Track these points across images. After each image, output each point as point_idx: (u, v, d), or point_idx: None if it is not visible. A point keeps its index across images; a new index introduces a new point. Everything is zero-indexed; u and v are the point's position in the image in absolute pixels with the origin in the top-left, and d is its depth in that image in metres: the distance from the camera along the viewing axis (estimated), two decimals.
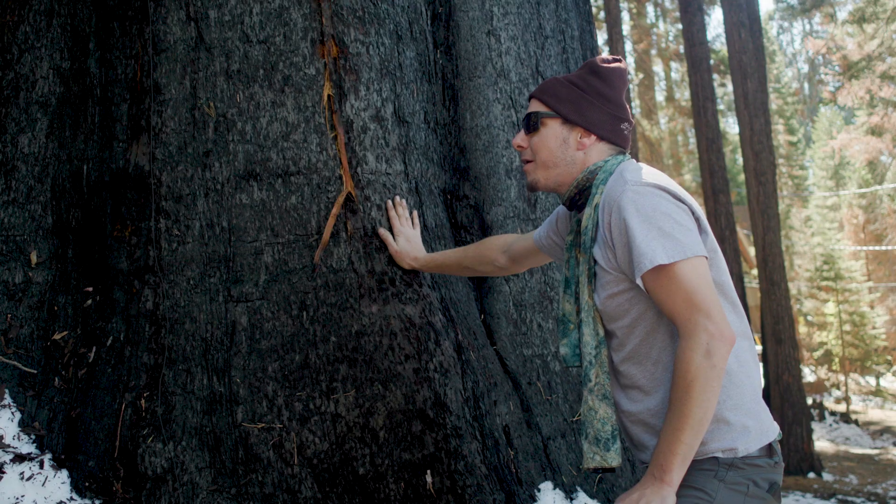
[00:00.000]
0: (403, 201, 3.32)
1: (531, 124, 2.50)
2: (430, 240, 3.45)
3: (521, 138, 2.55)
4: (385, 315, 3.12)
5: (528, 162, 2.55)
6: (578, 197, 2.46)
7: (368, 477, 2.95)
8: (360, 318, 3.11)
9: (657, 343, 2.27)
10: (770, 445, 2.25)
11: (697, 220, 2.22)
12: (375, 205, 3.27)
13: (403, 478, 2.95)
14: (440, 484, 2.95)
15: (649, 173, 2.27)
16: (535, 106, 2.52)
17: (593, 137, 2.45)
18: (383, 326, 3.11)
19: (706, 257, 2.15)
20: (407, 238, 3.24)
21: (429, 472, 2.96)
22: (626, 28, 32.11)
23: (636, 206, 2.16)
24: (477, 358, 3.35)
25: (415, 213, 3.36)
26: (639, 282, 2.16)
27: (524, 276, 3.77)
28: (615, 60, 2.51)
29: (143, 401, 3.03)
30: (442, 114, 3.83)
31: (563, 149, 2.46)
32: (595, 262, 2.33)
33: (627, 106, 2.51)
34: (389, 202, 3.29)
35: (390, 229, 3.26)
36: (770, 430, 2.26)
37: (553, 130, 2.47)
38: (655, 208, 2.15)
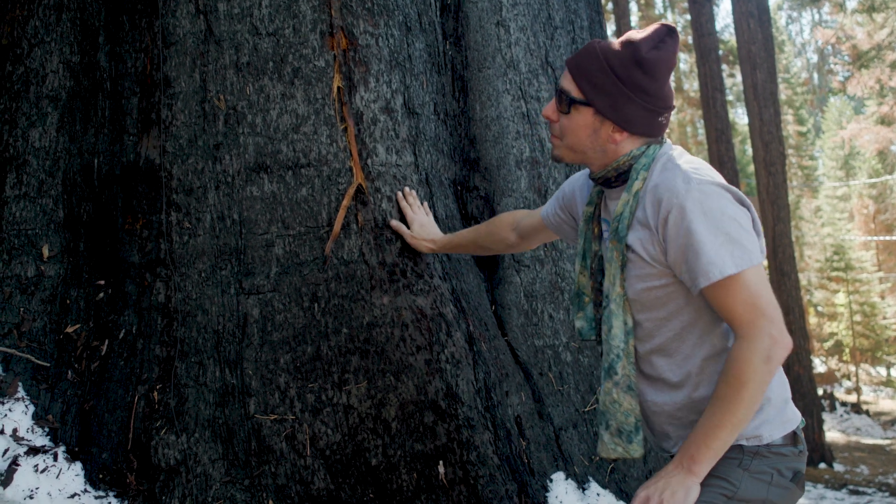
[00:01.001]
0: (414, 192, 3.32)
1: (563, 103, 2.35)
2: (441, 230, 3.45)
3: (550, 110, 2.41)
4: (396, 306, 3.13)
5: (555, 136, 2.43)
6: (615, 179, 2.36)
7: (381, 468, 2.95)
8: (372, 309, 3.11)
9: (691, 339, 2.24)
10: (794, 434, 2.25)
11: (753, 220, 2.18)
12: (386, 196, 3.27)
13: (416, 468, 2.95)
14: (452, 474, 2.95)
15: (705, 169, 2.20)
16: (569, 84, 2.34)
17: (626, 133, 2.31)
18: (395, 318, 3.11)
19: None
20: (421, 224, 3.23)
21: (441, 462, 2.97)
22: (634, 19, 32.04)
23: (703, 209, 2.09)
24: (488, 349, 3.35)
25: (425, 203, 3.36)
26: (698, 288, 2.12)
27: (535, 267, 3.77)
28: (662, 39, 2.30)
29: (155, 393, 3.04)
30: (452, 105, 3.83)
31: (592, 138, 2.33)
32: (630, 250, 2.26)
33: (670, 90, 2.34)
34: (400, 193, 3.29)
35: (401, 221, 3.26)
36: (794, 417, 2.26)
37: (584, 118, 2.32)
38: (723, 212, 2.10)
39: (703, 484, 2.14)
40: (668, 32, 2.30)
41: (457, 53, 3.90)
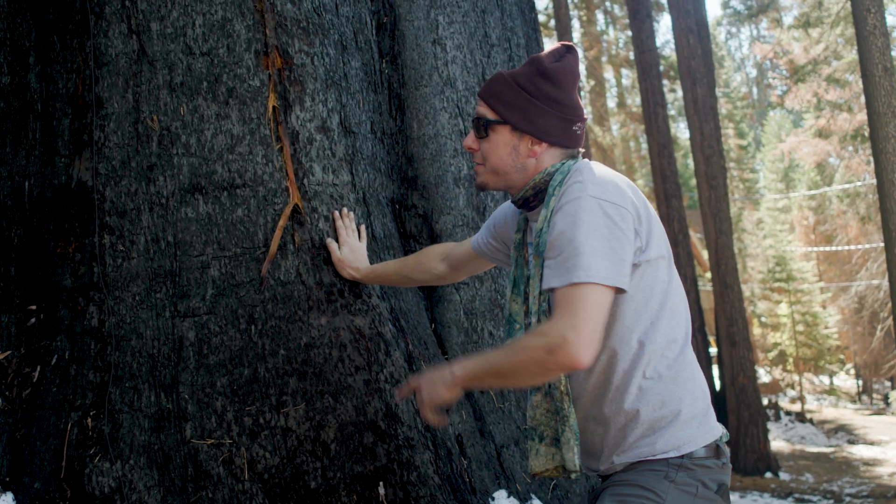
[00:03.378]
0: (350, 213, 3.31)
1: (480, 129, 2.44)
2: (380, 250, 3.44)
3: (471, 140, 2.48)
4: (334, 327, 3.10)
5: (478, 164, 2.49)
6: (533, 198, 2.42)
7: (320, 490, 2.92)
8: (310, 330, 3.08)
9: (607, 345, 2.25)
10: (717, 447, 2.27)
11: (641, 234, 2.21)
12: (322, 216, 3.25)
13: (356, 490, 2.93)
14: (393, 496, 2.93)
15: (605, 180, 2.23)
16: (483, 109, 2.43)
17: (544, 144, 2.38)
18: (333, 338, 3.09)
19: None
20: (351, 248, 3.21)
21: (381, 483, 2.94)
22: (576, 35, 32.32)
23: (581, 217, 2.14)
24: (428, 368, 3.34)
25: (362, 226, 3.34)
26: (549, 285, 2.17)
27: (474, 285, 3.76)
28: (563, 54, 2.41)
29: (89, 420, 2.97)
30: (389, 123, 3.82)
31: (513, 156, 2.40)
32: None
33: (579, 101, 2.43)
34: (336, 213, 3.27)
35: (337, 240, 3.24)
36: (714, 429, 2.28)
37: (502, 137, 2.40)
38: (597, 225, 2.13)
39: (629, 494, 2.18)
40: (568, 49, 2.44)
41: (393, 72, 3.89)
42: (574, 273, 2.07)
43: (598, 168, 2.31)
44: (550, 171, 2.37)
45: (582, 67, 31.72)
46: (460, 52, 4.03)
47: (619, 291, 2.14)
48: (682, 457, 2.21)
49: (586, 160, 2.41)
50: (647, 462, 2.22)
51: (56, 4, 3.40)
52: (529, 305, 2.39)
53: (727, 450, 2.33)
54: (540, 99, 2.35)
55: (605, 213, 2.14)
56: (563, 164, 2.37)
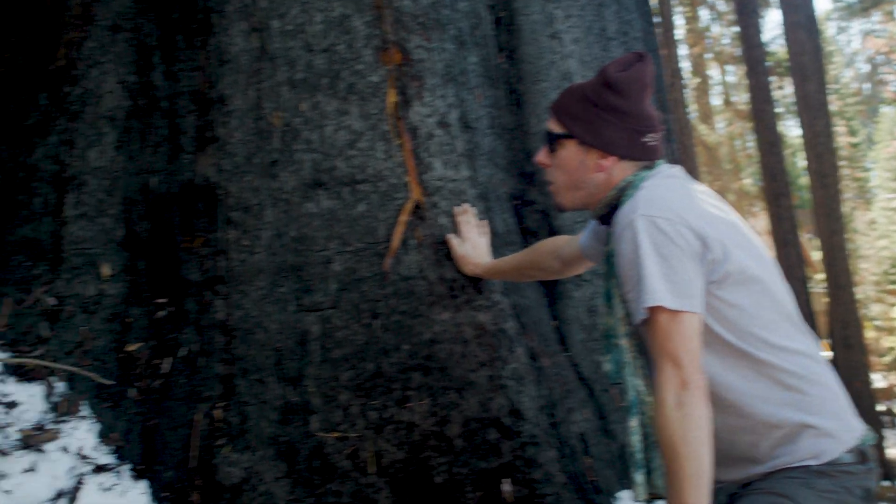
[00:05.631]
0: (471, 207, 3.28)
1: (548, 143, 2.39)
2: (500, 246, 3.40)
3: (543, 155, 2.43)
4: (457, 322, 3.08)
5: (551, 183, 2.45)
6: (609, 215, 2.34)
7: (445, 486, 2.91)
8: (433, 325, 3.07)
9: (732, 355, 2.17)
10: (861, 450, 2.17)
11: (707, 253, 2.12)
12: (443, 211, 3.24)
13: (480, 487, 2.90)
14: (518, 493, 2.89)
15: (666, 198, 2.16)
16: (552, 123, 2.38)
17: (613, 158, 2.29)
18: (456, 334, 3.07)
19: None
20: (473, 244, 3.18)
21: (506, 481, 2.91)
22: (680, 32, 31.82)
23: (637, 240, 2.10)
24: (550, 365, 3.30)
25: (485, 221, 3.30)
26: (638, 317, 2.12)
27: (595, 281, 3.70)
28: (632, 63, 2.32)
29: (217, 411, 3.02)
30: (507, 119, 3.79)
31: (581, 171, 2.33)
32: None
33: (651, 111, 2.33)
34: (457, 208, 3.25)
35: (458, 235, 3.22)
36: (856, 432, 2.18)
37: (570, 152, 2.33)
38: (650, 249, 2.09)
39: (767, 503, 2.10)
40: (638, 57, 2.34)
41: (510, 67, 3.86)
42: (643, 302, 2.06)
43: (662, 182, 2.24)
44: (622, 185, 2.29)
45: (686, 65, 31.24)
46: (577, 45, 3.97)
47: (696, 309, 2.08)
48: (823, 464, 2.12)
49: (662, 171, 2.32)
50: (786, 470, 2.13)
51: (180, 4, 3.46)
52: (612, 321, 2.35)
53: (873, 453, 2.22)
54: (604, 108, 2.28)
55: (661, 231, 2.08)
56: (636, 176, 2.29)
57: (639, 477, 2.28)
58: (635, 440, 2.27)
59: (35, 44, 3.61)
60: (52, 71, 3.52)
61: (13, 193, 3.41)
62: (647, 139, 2.30)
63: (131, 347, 3.23)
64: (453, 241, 3.18)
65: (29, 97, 3.53)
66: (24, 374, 3.07)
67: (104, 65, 3.50)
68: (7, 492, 2.75)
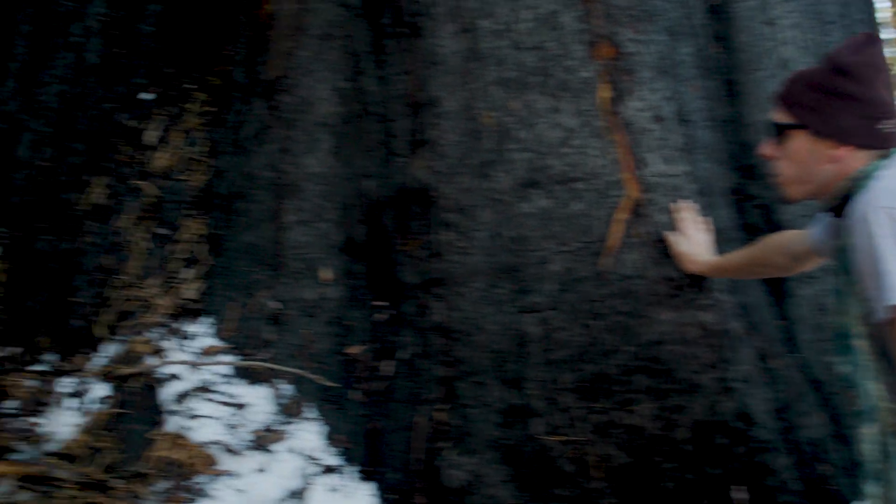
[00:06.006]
0: (691, 205, 3.16)
1: (775, 134, 2.26)
2: (720, 242, 3.26)
3: (769, 147, 2.30)
4: (680, 322, 2.98)
5: (778, 176, 2.31)
6: (841, 207, 2.17)
7: (675, 492, 2.81)
8: (656, 326, 2.97)
9: None
10: None
11: None
12: (661, 208, 3.13)
13: (711, 493, 2.79)
14: (752, 501, 2.76)
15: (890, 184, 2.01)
16: (778, 114, 2.25)
17: (847, 147, 2.14)
18: (679, 335, 2.96)
19: None
20: (694, 241, 3.06)
21: (741, 487, 2.78)
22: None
23: (880, 230, 1.96)
24: (779, 366, 3.15)
25: (708, 218, 3.18)
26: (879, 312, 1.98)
27: (824, 278, 3.49)
28: (862, 45, 2.17)
29: (440, 413, 3.02)
30: (723, 110, 3.64)
31: (812, 163, 2.19)
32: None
33: (886, 96, 2.15)
34: (676, 205, 3.14)
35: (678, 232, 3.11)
36: None
37: (799, 142, 2.20)
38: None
39: None
40: (867, 39, 2.18)
41: (725, 56, 3.71)
42: (885, 300, 1.92)
43: None
44: (856, 175, 2.13)
45: None
46: (795, 31, 3.77)
47: None
48: None
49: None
50: None
51: (389, 9, 3.49)
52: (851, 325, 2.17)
53: None
54: (837, 95, 2.13)
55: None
56: (872, 165, 2.12)
57: (874, 489, 2.13)
58: (870, 449, 2.12)
59: (250, 55, 3.73)
60: (267, 81, 3.62)
61: (234, 201, 3.53)
62: (882, 126, 2.14)
63: (353, 350, 3.28)
64: (671, 238, 3.08)
65: (245, 107, 3.65)
66: (252, 377, 3.17)
67: (317, 73, 3.57)
68: (240, 490, 2.84)
